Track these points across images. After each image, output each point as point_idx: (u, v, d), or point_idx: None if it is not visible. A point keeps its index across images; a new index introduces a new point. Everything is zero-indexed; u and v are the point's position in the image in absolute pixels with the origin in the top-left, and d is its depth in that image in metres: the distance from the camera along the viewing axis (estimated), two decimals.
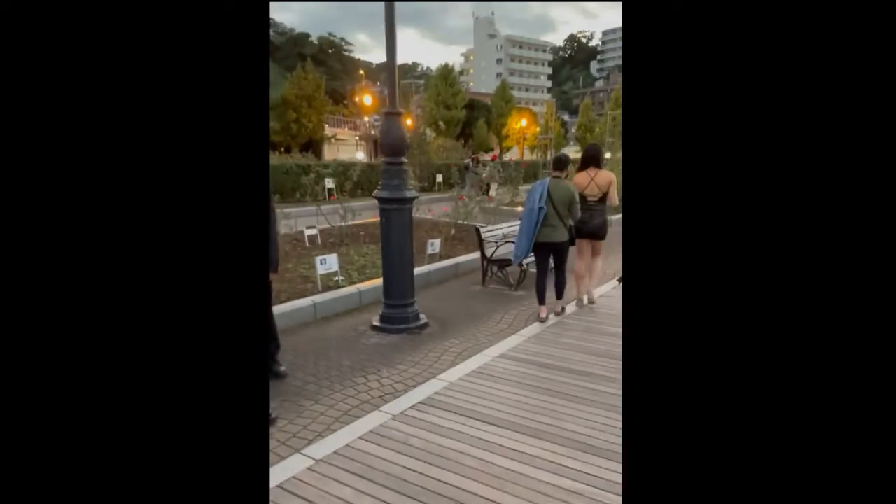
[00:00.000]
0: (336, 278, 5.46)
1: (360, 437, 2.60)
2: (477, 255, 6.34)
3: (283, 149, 23.22)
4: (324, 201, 9.67)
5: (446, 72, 36.61)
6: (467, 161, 18.84)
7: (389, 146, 4.26)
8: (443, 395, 3.09)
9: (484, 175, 16.31)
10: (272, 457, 2.46)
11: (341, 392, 3.22)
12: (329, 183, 13.52)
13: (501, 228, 6.60)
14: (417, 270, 4.93)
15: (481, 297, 5.61)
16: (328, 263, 5.21)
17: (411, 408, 2.92)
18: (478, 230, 6.21)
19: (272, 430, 2.71)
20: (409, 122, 23.78)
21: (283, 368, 3.48)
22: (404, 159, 4.30)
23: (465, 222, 8.88)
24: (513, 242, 6.43)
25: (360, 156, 30.64)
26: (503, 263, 6.02)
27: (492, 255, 6.03)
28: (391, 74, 4.22)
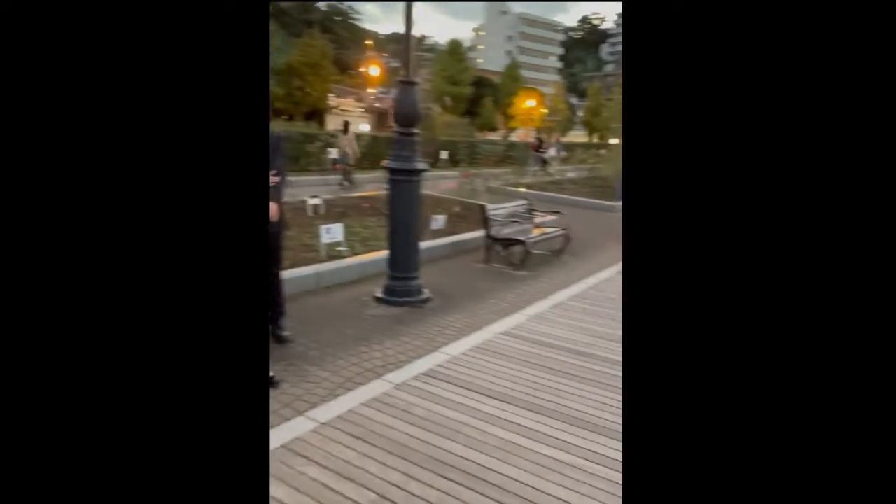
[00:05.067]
0: (340, 248, 5.46)
1: (362, 404, 2.64)
2: (481, 233, 6.35)
3: (286, 116, 22.98)
4: (329, 171, 9.59)
5: (455, 46, 36.10)
6: (533, 142, 23.59)
7: (402, 116, 4.22)
8: (445, 368, 3.12)
9: (546, 155, 19.91)
10: (276, 418, 2.50)
11: (345, 360, 3.26)
12: (333, 153, 13.42)
13: (507, 208, 6.60)
14: (421, 245, 4.94)
15: (485, 275, 5.64)
16: (333, 233, 5.21)
17: (414, 378, 2.96)
18: (483, 208, 6.20)
19: (275, 393, 2.75)
20: None
21: (287, 333, 3.51)
22: (416, 130, 4.28)
23: (470, 200, 8.86)
24: (517, 222, 6.45)
25: (365, 127, 30.37)
26: (508, 243, 6.03)
27: (497, 234, 6.04)
28: (407, 42, 4.16)
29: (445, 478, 2.09)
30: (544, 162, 19.58)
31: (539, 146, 21.72)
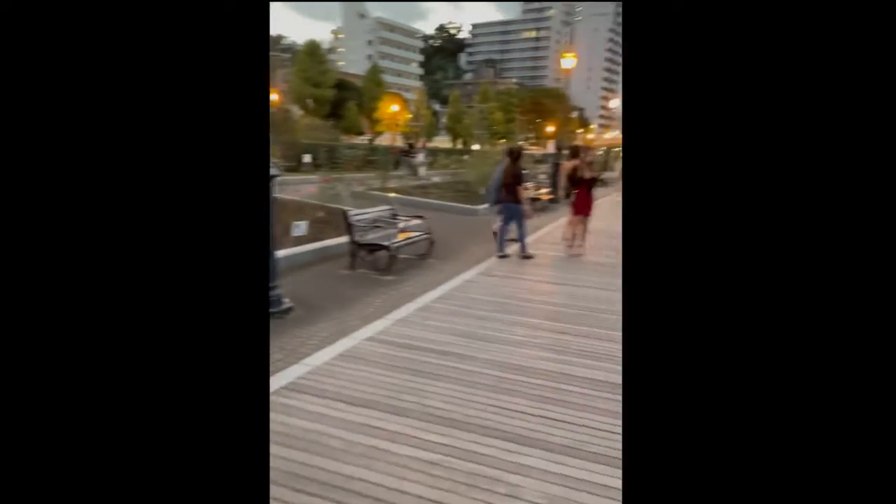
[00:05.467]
0: None
1: None
2: (346, 238, 6.28)
3: None
4: None
5: (314, 48, 35.23)
6: (405, 147, 24.69)
7: None
8: (306, 380, 3.04)
9: (416, 161, 20.58)
10: None
11: None
12: None
13: (370, 213, 6.59)
14: (282, 253, 4.76)
15: (350, 281, 5.58)
16: None
17: (272, 394, 2.84)
18: (345, 214, 6.14)
19: None
20: (274, 97, 23.31)
21: None
22: None
23: (335, 205, 8.71)
24: (381, 227, 6.48)
25: None
26: (372, 248, 6.03)
27: (361, 240, 6.01)
28: None
29: (304, 492, 2.04)
30: (413, 167, 20.15)
31: (409, 151, 22.47)
